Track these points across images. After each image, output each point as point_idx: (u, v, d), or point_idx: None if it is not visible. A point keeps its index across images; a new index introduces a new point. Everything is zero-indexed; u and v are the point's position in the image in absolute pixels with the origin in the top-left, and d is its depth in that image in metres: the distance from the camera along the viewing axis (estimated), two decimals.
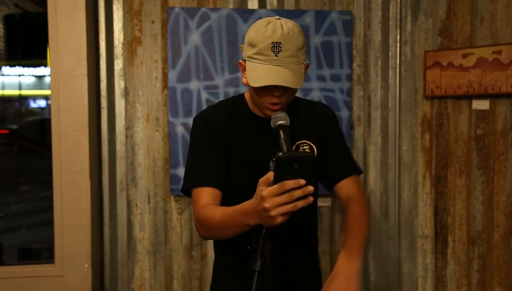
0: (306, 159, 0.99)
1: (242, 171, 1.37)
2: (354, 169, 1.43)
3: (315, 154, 1.40)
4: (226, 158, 1.37)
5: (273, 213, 0.99)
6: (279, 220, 1.00)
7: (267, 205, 0.99)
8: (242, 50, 1.36)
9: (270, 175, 1.01)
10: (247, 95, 1.44)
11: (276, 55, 1.23)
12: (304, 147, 1.40)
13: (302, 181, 0.98)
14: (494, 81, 2.35)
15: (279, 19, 1.28)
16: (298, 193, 0.98)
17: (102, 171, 2.44)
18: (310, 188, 0.99)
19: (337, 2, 2.48)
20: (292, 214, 1.01)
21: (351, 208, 1.35)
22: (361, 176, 2.51)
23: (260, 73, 1.24)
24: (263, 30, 1.24)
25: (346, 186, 1.40)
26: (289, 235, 1.40)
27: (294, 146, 1.39)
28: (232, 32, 2.37)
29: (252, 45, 1.26)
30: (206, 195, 1.29)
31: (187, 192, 1.38)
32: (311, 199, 1.00)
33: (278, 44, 1.22)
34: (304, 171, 0.98)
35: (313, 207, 1.46)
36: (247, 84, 1.32)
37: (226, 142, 1.37)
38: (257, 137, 1.39)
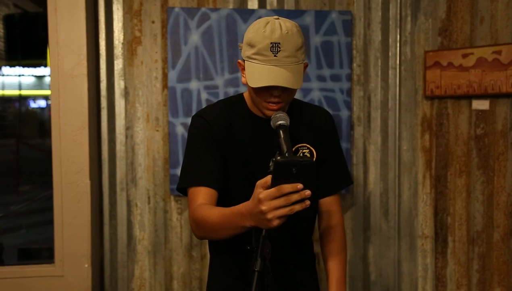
0: (305, 164, 0.99)
1: (240, 171, 1.37)
2: (339, 186, 1.48)
3: (315, 158, 1.40)
4: (223, 158, 1.36)
5: (269, 215, 0.99)
6: (275, 223, 1.01)
7: (264, 207, 0.99)
8: (241, 49, 1.36)
9: (269, 178, 1.01)
10: (246, 95, 1.44)
11: (275, 56, 1.22)
12: (304, 151, 1.40)
13: (300, 185, 0.98)
14: (494, 81, 2.35)
15: (278, 18, 1.27)
16: (295, 197, 0.98)
17: (102, 171, 2.44)
18: (307, 192, 0.99)
19: (337, 2, 2.48)
20: (291, 216, 1.01)
21: (334, 234, 1.47)
22: (361, 175, 2.52)
23: (259, 73, 1.24)
24: (262, 30, 1.24)
25: (327, 202, 1.47)
26: (289, 235, 1.40)
27: (294, 149, 1.38)
28: (232, 32, 2.37)
29: (251, 45, 1.26)
30: (202, 195, 1.28)
31: (183, 190, 1.37)
32: (308, 202, 1.00)
33: (277, 45, 1.22)
34: (302, 175, 0.99)
35: (313, 208, 1.46)
36: (247, 84, 1.32)
37: (224, 142, 1.36)
38: (256, 138, 1.38)
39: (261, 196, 1.00)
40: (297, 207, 0.99)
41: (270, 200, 0.99)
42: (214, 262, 1.51)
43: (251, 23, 1.33)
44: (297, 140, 1.39)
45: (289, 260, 1.44)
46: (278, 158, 1.00)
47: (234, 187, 1.37)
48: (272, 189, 0.99)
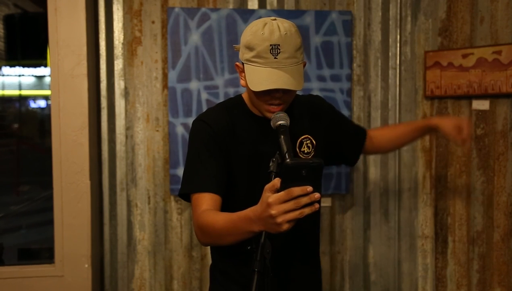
0: (314, 166, 0.97)
1: (244, 172, 1.37)
2: (363, 131, 1.67)
3: (314, 147, 1.41)
4: (227, 161, 1.35)
5: (279, 219, 0.98)
6: (285, 227, 0.99)
7: (273, 211, 0.97)
8: (237, 50, 1.35)
9: (276, 181, 0.99)
10: (245, 96, 1.44)
11: (275, 58, 1.21)
12: (307, 142, 1.41)
13: (309, 188, 0.96)
14: (494, 82, 2.35)
15: (275, 19, 1.26)
16: (305, 200, 0.97)
17: (102, 171, 2.44)
18: (317, 195, 0.97)
19: (337, 2, 2.48)
20: (299, 220, 1.00)
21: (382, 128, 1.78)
22: (361, 175, 2.52)
23: (260, 76, 1.23)
24: (260, 32, 1.23)
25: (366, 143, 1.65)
26: (290, 235, 1.39)
27: (298, 141, 1.39)
28: (232, 32, 2.37)
29: (249, 48, 1.25)
30: (206, 201, 1.27)
31: (185, 196, 1.36)
32: (317, 206, 0.99)
33: (277, 46, 1.21)
34: (311, 177, 0.97)
35: (317, 212, 1.46)
36: (246, 86, 1.32)
37: (227, 145, 1.36)
38: (258, 138, 1.38)
39: (270, 200, 0.98)
40: (307, 210, 0.98)
41: (279, 203, 0.97)
42: (215, 265, 1.50)
43: (251, 23, 1.32)
44: (296, 136, 1.39)
45: (291, 260, 1.43)
46: (288, 160, 0.98)
47: (238, 188, 1.36)
48: (281, 193, 0.97)
